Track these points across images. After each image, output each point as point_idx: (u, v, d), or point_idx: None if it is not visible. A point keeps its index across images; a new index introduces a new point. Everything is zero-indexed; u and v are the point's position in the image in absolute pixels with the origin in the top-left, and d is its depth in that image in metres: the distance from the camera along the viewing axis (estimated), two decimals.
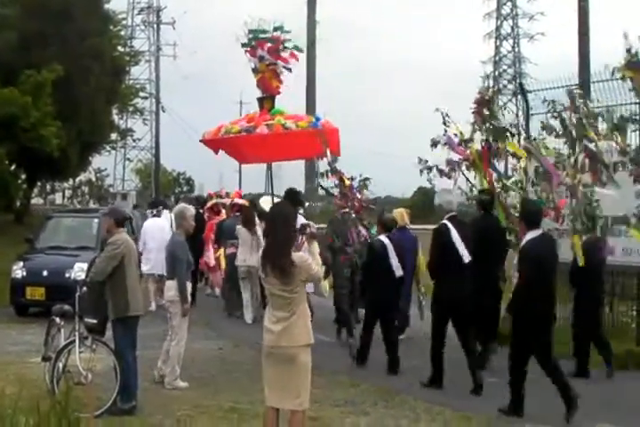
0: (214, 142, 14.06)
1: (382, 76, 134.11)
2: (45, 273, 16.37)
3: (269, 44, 14.11)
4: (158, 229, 17.22)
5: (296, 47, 14.32)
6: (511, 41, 74.95)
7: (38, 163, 33.08)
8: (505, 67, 74.60)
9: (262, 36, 14.05)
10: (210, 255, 19.27)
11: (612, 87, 12.81)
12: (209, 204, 21.22)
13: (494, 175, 12.71)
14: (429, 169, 13.07)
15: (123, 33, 47.97)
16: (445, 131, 12.82)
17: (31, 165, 34.71)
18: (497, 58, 74.41)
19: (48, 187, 65.29)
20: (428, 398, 10.02)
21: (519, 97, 16.04)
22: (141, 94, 53.42)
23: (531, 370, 9.33)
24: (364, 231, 13.31)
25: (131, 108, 50.39)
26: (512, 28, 74.72)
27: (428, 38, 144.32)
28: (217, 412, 9.23)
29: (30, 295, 16.21)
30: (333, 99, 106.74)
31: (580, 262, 10.89)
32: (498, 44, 74.72)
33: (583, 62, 17.56)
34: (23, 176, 37.95)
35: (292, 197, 13.78)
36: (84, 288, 9.54)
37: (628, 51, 9.99)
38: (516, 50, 74.58)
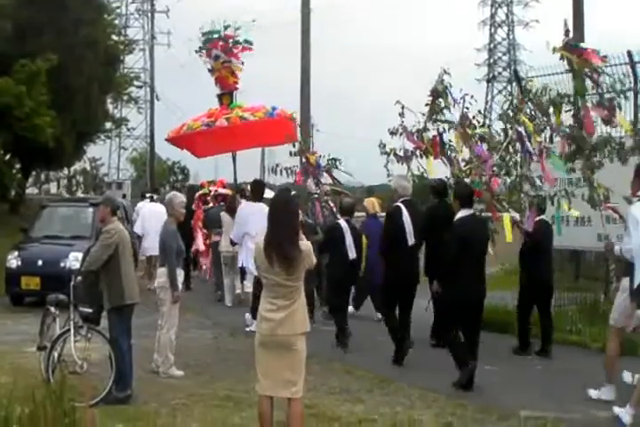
0: (177, 140, 14.50)
1: (375, 64, 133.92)
2: (40, 263, 16.37)
3: (222, 43, 14.52)
4: (156, 212, 17.27)
5: (246, 41, 14.69)
6: (506, 28, 74.92)
7: (33, 152, 33.01)
8: (500, 54, 74.61)
9: (215, 36, 14.45)
10: (199, 242, 19.59)
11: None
12: (197, 194, 21.61)
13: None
14: (387, 154, 13.45)
15: (117, 22, 47.69)
16: (402, 121, 13.13)
17: (26, 155, 34.64)
18: (492, 45, 74.38)
19: (43, 176, 65.16)
20: (424, 385, 10.04)
21: (514, 84, 16.06)
22: (136, 83, 53.02)
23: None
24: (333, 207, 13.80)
25: (125, 97, 50.08)
26: (507, 16, 74.72)
27: (423, 27, 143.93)
28: (212, 400, 9.26)
29: (25, 285, 16.22)
30: (328, 87, 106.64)
31: (508, 238, 11.22)
32: (492, 31, 74.69)
33: None
34: (18, 166, 37.87)
35: (258, 187, 14.33)
36: (79, 277, 9.55)
37: (566, 34, 10.84)
38: (511, 37, 74.56)
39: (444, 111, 12.78)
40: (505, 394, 9.67)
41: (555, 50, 10.92)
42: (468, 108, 12.45)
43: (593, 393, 9.37)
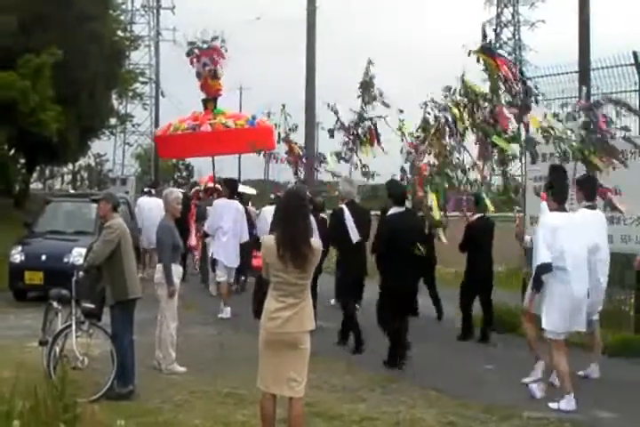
0: (162, 141, 15.02)
1: (383, 62, 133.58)
2: (44, 258, 16.40)
3: (209, 52, 15.09)
4: (155, 205, 17.36)
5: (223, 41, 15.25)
6: (511, 28, 74.84)
7: (37, 147, 32.98)
8: (505, 54, 74.50)
9: (205, 46, 15.00)
10: (191, 236, 20.08)
11: (611, 74, 12.83)
12: (193, 190, 22.38)
13: None
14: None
15: (122, 17, 47.70)
16: (338, 118, 14.25)
17: (30, 150, 34.62)
18: (497, 45, 74.25)
19: (47, 172, 65.18)
20: (425, 384, 10.06)
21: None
22: (141, 79, 53.01)
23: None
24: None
25: (130, 93, 50.01)
26: (512, 16, 74.64)
27: (431, 25, 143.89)
28: (215, 397, 9.28)
29: (29, 280, 16.23)
30: (333, 83, 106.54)
31: (436, 216, 11.78)
32: (498, 31, 74.57)
33: (583, 49, 17.48)
34: (22, 161, 37.88)
35: (232, 186, 15.48)
36: (81, 273, 9.54)
37: (484, 37, 11.60)
38: (517, 37, 74.47)
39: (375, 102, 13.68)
40: (506, 393, 9.67)
41: (471, 52, 11.38)
42: (429, 113, 12.53)
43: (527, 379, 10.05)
